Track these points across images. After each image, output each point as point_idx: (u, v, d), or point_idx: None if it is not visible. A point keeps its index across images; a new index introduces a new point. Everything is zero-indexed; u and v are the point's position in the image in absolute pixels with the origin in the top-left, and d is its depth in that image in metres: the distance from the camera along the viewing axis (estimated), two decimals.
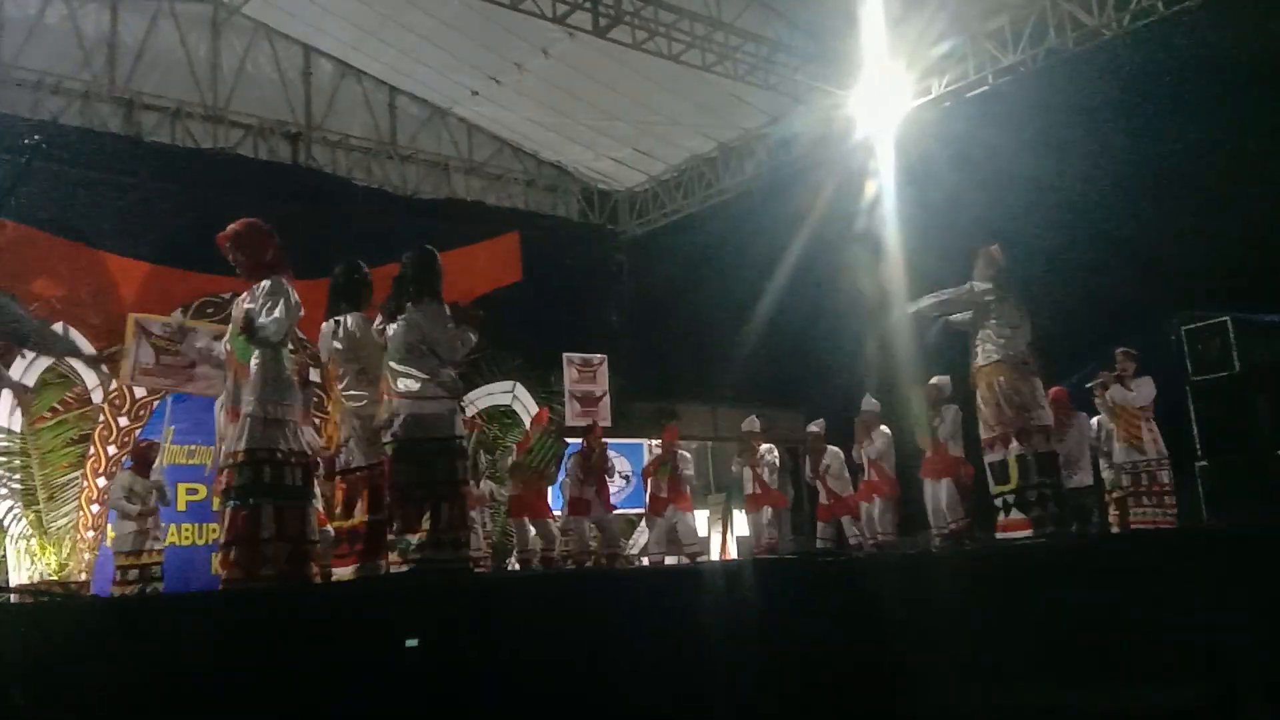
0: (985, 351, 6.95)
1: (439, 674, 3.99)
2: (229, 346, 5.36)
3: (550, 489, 11.08)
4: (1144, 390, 9.44)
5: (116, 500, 9.46)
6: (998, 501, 6.91)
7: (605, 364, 14.01)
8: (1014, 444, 6.80)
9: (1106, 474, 10.01)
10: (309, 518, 5.32)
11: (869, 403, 10.72)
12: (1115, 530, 9.73)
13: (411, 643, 3.89)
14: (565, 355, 13.84)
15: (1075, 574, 5.71)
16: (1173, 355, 10.79)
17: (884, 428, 10.54)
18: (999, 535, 6.89)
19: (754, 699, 4.53)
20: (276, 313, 5.14)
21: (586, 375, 13.92)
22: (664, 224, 16.78)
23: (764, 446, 11.37)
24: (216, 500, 8.50)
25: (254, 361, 5.16)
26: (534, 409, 13.17)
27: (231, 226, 5.35)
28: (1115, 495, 9.85)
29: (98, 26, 13.04)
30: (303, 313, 5.36)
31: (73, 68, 12.80)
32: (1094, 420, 10.05)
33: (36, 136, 4.72)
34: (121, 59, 13.17)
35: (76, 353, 6.18)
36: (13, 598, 5.52)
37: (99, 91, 12.95)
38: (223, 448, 5.30)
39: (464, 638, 4.16)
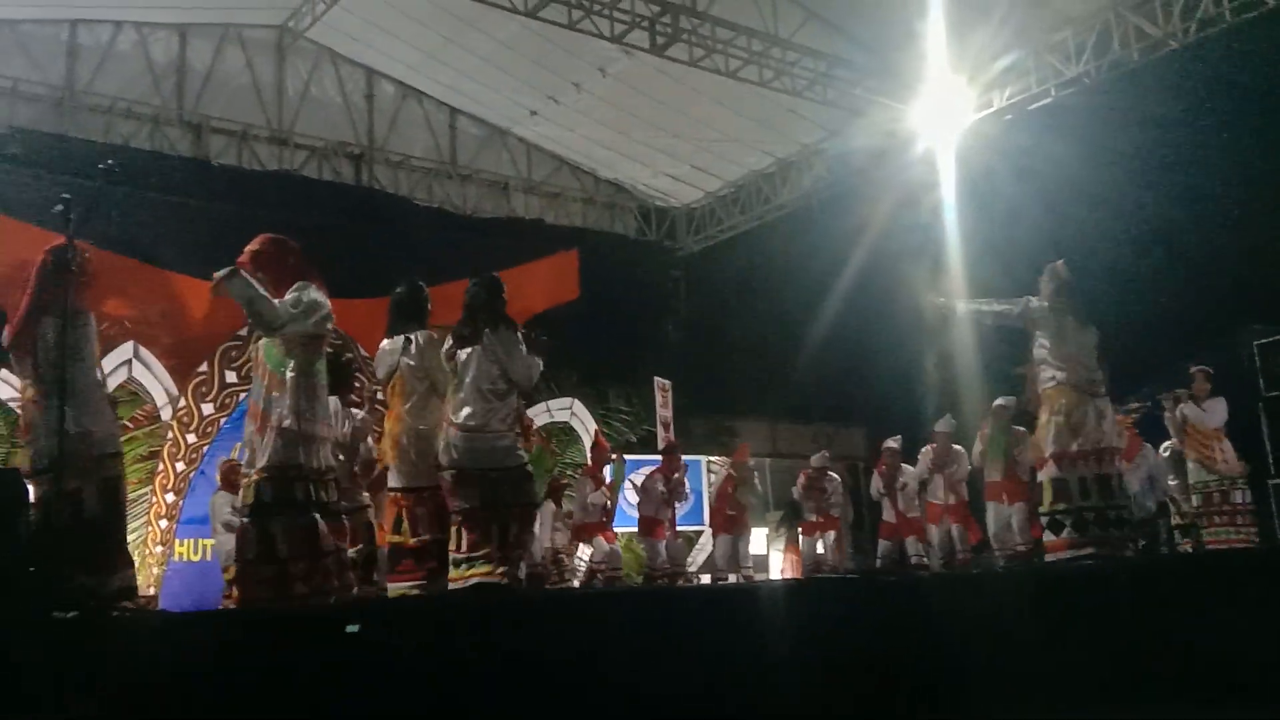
0: (1047, 374, 6.88)
1: (498, 691, 4.01)
2: (260, 354, 5.22)
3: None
4: (1217, 412, 9.18)
5: (227, 517, 9.51)
6: (1042, 520, 6.89)
7: (670, 389, 13.90)
8: (1051, 466, 6.73)
9: (1178, 496, 9.78)
10: (343, 534, 5.32)
11: (947, 422, 10.52)
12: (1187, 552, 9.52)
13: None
14: (656, 379, 13.74)
15: (1136, 595, 5.62)
16: (1244, 371, 10.56)
17: (960, 449, 10.38)
18: (1047, 556, 6.85)
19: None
20: (290, 308, 4.98)
21: (666, 399, 13.86)
22: (721, 240, 16.77)
23: (831, 479, 11.35)
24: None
25: (289, 373, 5.02)
26: (592, 426, 13.18)
27: (247, 248, 5.19)
28: (1184, 518, 9.62)
29: (167, 53, 13.40)
30: (332, 323, 5.19)
31: (143, 93, 13.16)
32: (1163, 446, 9.82)
33: (110, 161, 4.77)
34: (190, 84, 13.50)
35: None
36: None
37: (168, 116, 13.27)
38: (249, 457, 5.04)
39: (523, 655, 4.18)
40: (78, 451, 4.82)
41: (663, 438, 13.37)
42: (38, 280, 5.00)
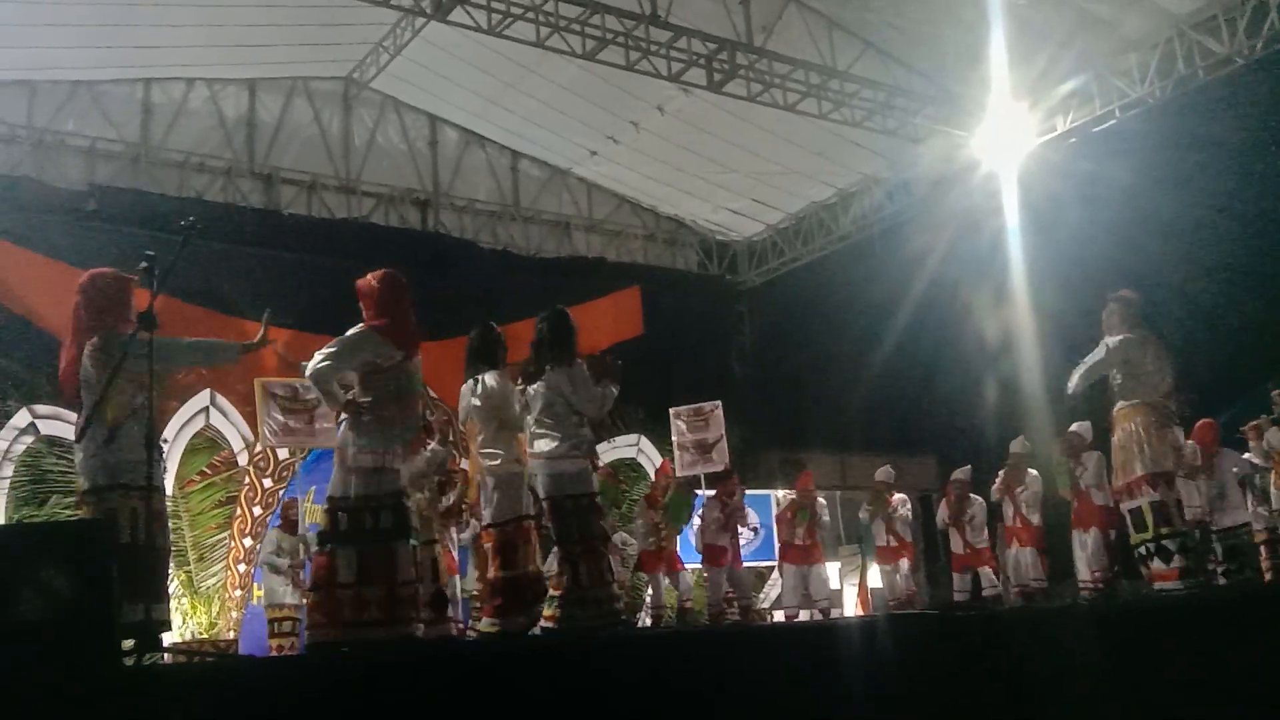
0: (1124, 394, 6.76)
1: None
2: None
3: (678, 540, 11.04)
4: None
5: (267, 556, 9.74)
6: (1140, 550, 6.66)
7: (719, 409, 13.56)
8: (1146, 490, 6.56)
9: (1260, 516, 9.54)
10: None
11: (1021, 445, 10.31)
12: (1268, 575, 9.26)
13: None
14: (671, 410, 13.53)
15: (1226, 627, 5.44)
16: None
17: (1034, 472, 10.20)
18: (1156, 585, 6.61)
19: None
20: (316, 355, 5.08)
21: (698, 424, 13.51)
22: (783, 272, 16.76)
23: (897, 497, 11.17)
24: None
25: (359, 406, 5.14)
26: (659, 461, 13.14)
27: (375, 294, 5.33)
28: (1266, 538, 9.38)
29: (237, 107, 13.82)
30: (355, 361, 5.18)
31: (215, 147, 13.58)
32: (1245, 455, 9.59)
33: (192, 218, 4.92)
34: (260, 136, 13.90)
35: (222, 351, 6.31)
36: (166, 657, 5.70)
37: (240, 168, 13.66)
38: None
39: (601, 694, 4.18)
40: (109, 481, 4.87)
41: (687, 463, 13.00)
42: (75, 316, 5.16)
